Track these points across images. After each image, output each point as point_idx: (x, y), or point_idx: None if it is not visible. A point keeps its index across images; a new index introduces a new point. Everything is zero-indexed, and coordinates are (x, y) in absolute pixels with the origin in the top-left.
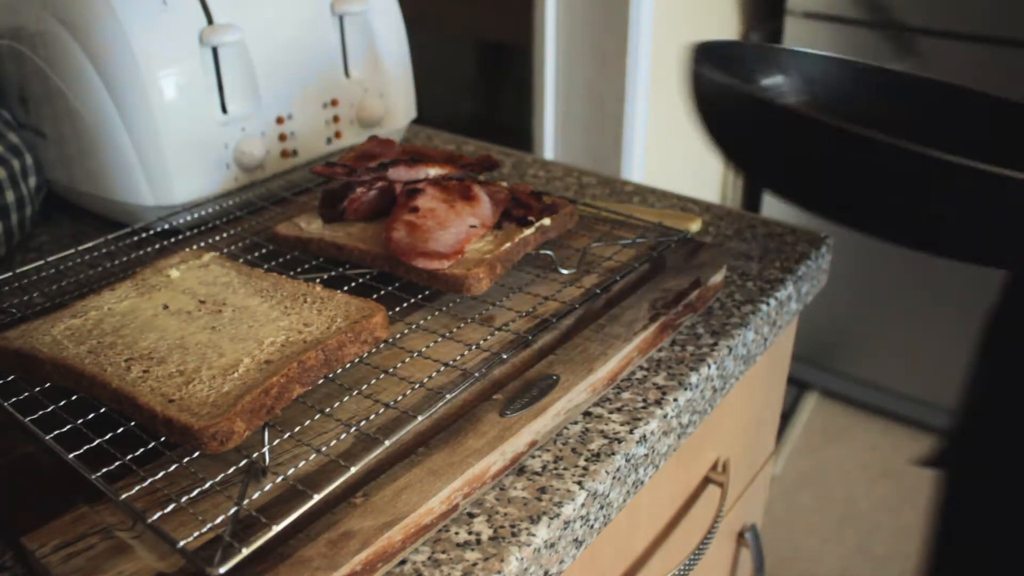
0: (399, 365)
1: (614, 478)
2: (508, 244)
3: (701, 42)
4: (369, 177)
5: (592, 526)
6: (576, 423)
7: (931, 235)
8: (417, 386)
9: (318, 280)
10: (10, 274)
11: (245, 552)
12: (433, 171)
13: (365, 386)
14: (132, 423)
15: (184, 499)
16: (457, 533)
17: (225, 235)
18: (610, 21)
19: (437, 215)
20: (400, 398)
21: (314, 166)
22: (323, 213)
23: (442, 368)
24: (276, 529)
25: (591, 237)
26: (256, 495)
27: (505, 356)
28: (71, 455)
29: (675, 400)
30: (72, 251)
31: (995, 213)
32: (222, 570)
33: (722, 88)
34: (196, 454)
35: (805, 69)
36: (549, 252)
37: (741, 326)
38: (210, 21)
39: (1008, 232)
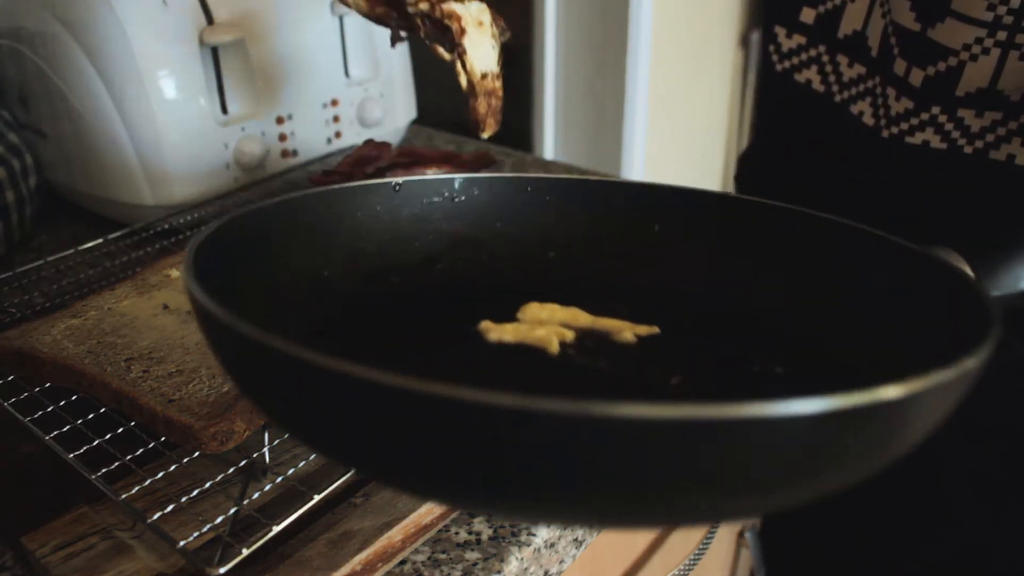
0: None
1: None
2: None
3: (197, 243)
4: None
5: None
6: None
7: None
8: None
9: None
10: (10, 274)
11: (245, 552)
12: (431, 172)
13: None
14: (132, 423)
15: (184, 499)
16: (457, 533)
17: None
18: (610, 21)
19: None
20: None
21: (311, 175)
22: None
23: None
24: (276, 529)
25: None
26: (256, 495)
27: None
28: (71, 455)
29: None
30: (72, 251)
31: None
32: (222, 570)
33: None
34: (196, 454)
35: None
36: None
37: None
38: (210, 21)
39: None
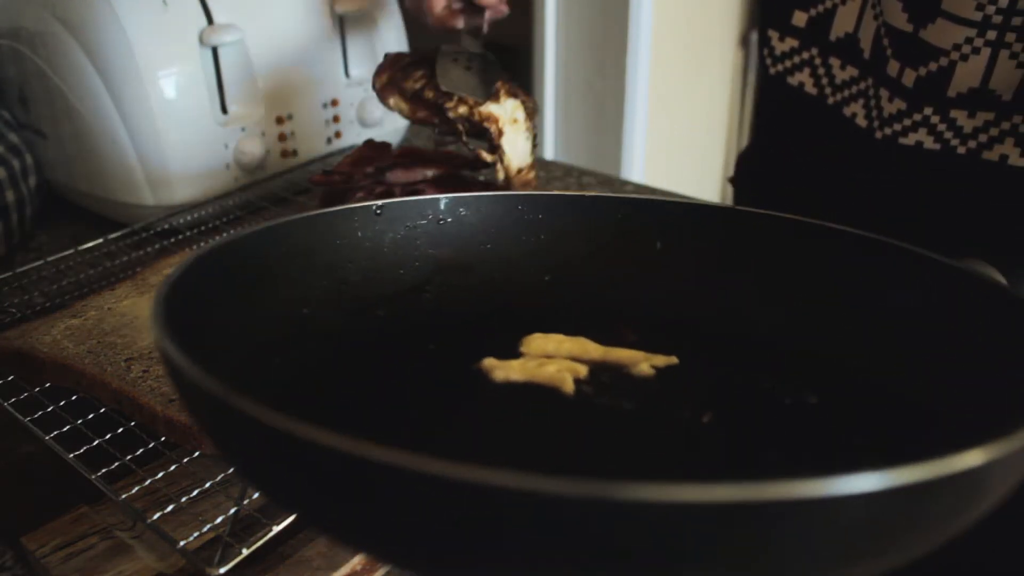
0: None
1: None
2: None
3: (164, 291)
4: (368, 183)
5: None
6: None
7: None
8: None
9: None
10: (10, 274)
11: (245, 552)
12: (431, 172)
13: None
14: (132, 423)
15: (184, 499)
16: None
17: (225, 235)
18: (610, 21)
19: None
20: None
21: (311, 175)
22: None
23: None
24: (276, 529)
25: None
26: (256, 495)
27: None
28: (71, 455)
29: None
30: (72, 251)
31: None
32: (222, 570)
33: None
34: (196, 454)
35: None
36: None
37: None
38: (210, 21)
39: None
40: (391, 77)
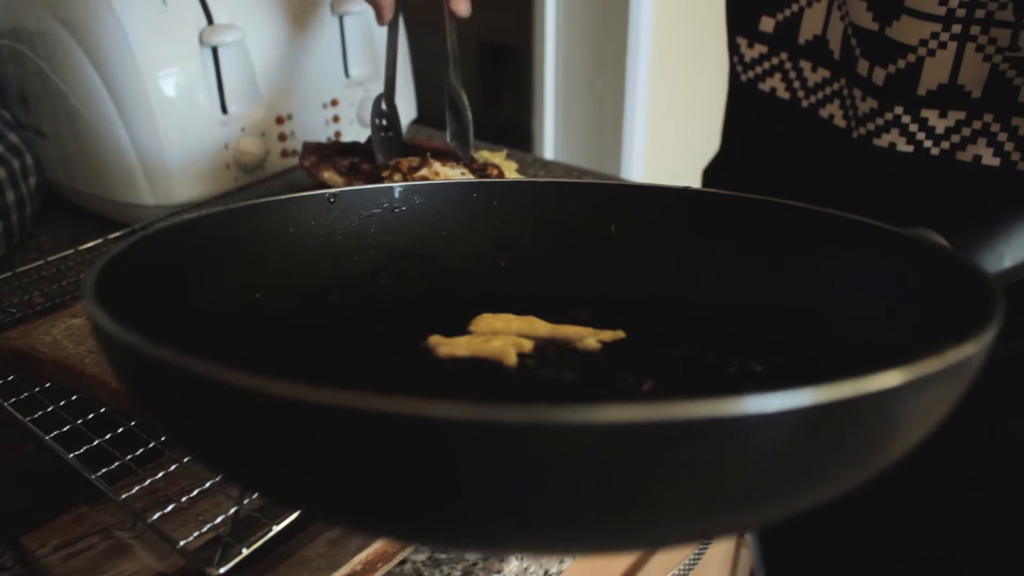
0: None
1: None
2: None
3: (105, 262)
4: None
5: None
6: None
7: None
8: None
9: None
10: (10, 274)
11: (245, 552)
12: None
13: None
14: (132, 423)
15: (184, 499)
16: None
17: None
18: (610, 21)
19: None
20: None
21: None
22: None
23: None
24: (276, 529)
25: None
26: (256, 495)
27: None
28: (71, 455)
29: None
30: (72, 251)
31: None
32: (222, 570)
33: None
34: None
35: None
36: None
37: None
38: (210, 21)
39: None
40: (319, 157)
